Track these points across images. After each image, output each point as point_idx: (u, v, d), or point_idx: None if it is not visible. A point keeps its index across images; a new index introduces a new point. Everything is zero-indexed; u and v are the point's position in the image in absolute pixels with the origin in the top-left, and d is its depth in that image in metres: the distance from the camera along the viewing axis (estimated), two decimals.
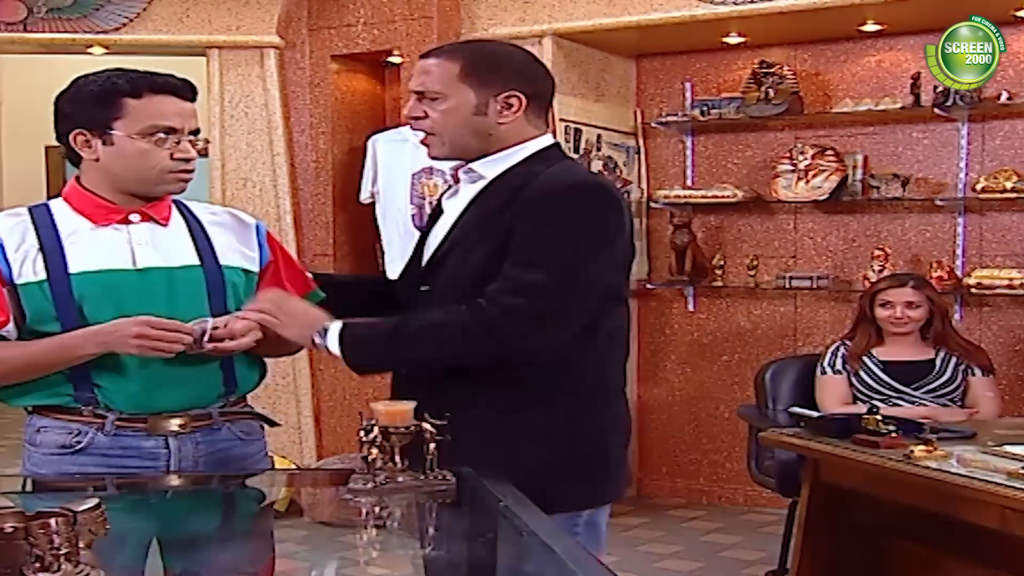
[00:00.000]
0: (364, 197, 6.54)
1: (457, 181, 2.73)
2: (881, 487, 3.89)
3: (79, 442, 2.58)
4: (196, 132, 2.63)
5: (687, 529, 6.33)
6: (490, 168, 2.62)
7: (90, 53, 6.70)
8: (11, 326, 2.56)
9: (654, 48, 6.77)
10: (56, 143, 2.67)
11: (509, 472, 2.45)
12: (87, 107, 2.59)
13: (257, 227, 2.81)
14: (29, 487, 2.68)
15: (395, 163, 6.26)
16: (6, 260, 2.55)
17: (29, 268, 2.55)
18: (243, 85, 6.63)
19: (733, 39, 6.42)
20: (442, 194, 2.83)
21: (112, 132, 2.57)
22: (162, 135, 2.56)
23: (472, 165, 2.65)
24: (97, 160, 2.60)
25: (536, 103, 2.63)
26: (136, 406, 2.57)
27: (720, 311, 6.88)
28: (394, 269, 2.87)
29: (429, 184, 6.25)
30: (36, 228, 2.59)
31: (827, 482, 4.20)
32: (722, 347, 6.87)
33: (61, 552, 1.68)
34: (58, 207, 2.64)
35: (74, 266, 2.55)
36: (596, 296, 2.53)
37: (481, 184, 2.64)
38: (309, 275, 2.90)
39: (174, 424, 2.61)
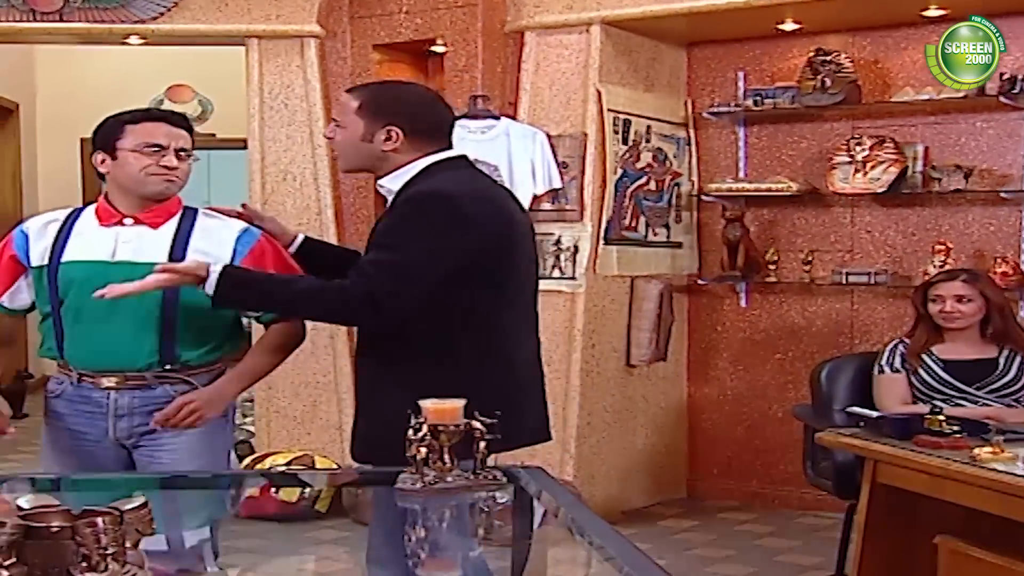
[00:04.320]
0: None
1: None
2: (944, 490, 3.84)
3: (57, 389, 3.38)
4: (185, 150, 3.32)
5: (740, 533, 6.21)
6: (393, 183, 3.17)
7: (127, 43, 6.65)
8: (5, 298, 3.41)
9: (706, 36, 6.64)
10: (90, 135, 3.43)
11: (376, 433, 3.07)
12: (103, 134, 3.35)
13: (239, 236, 3.34)
14: None
15: None
16: (27, 250, 3.35)
17: (40, 256, 3.33)
18: (283, 76, 6.55)
19: (788, 26, 6.28)
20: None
21: (117, 150, 3.30)
22: (151, 149, 3.27)
23: (381, 182, 3.20)
24: (108, 173, 3.34)
25: (417, 135, 3.15)
26: (84, 365, 3.30)
27: (774, 307, 6.74)
28: None
29: None
30: (63, 225, 3.35)
31: (887, 485, 4.16)
32: (775, 345, 6.73)
33: (108, 552, 1.74)
34: (88, 209, 3.40)
35: (67, 255, 3.29)
36: (427, 284, 3.01)
37: (392, 197, 3.17)
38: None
39: (111, 381, 3.29)
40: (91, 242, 3.29)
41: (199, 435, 3.30)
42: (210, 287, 3.06)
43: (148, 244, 3.27)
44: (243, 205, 3.49)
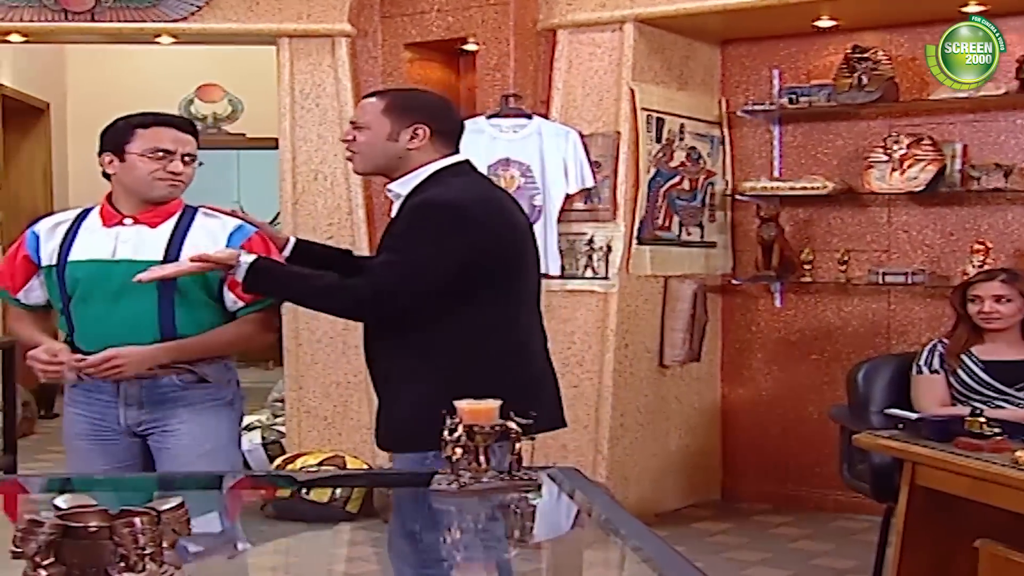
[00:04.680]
0: None
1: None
2: (985, 493, 3.81)
3: (75, 379, 3.45)
4: (190, 156, 3.48)
5: (775, 536, 6.15)
6: (404, 187, 3.35)
7: (158, 43, 6.62)
8: (21, 294, 3.60)
9: (740, 33, 6.59)
10: None
11: (392, 417, 3.33)
12: (112, 136, 3.50)
13: (232, 233, 3.49)
14: None
15: (471, 154, 6.02)
16: (38, 251, 3.54)
17: (49, 256, 3.52)
18: (314, 75, 6.52)
19: (824, 23, 6.22)
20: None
21: (125, 153, 3.45)
22: (159, 154, 3.43)
23: (391, 186, 3.39)
24: (115, 174, 3.51)
25: (441, 135, 3.35)
26: (90, 347, 3.40)
27: (809, 308, 6.67)
28: None
29: (506, 176, 6.10)
30: (70, 226, 3.52)
31: (926, 487, 4.12)
32: (811, 345, 6.66)
33: (146, 552, 1.74)
34: (94, 210, 3.56)
35: (73, 255, 3.47)
36: (437, 285, 3.20)
37: (400, 201, 3.36)
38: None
39: None
40: (94, 242, 3.47)
41: (203, 423, 3.49)
42: (239, 275, 3.28)
43: (146, 242, 3.45)
44: (232, 211, 3.63)
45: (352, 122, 3.46)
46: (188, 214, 3.53)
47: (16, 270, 3.59)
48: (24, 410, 8.58)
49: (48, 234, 3.54)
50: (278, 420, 7.09)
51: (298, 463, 6.27)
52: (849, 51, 6.18)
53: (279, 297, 3.49)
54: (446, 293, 3.22)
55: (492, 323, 3.30)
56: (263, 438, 6.95)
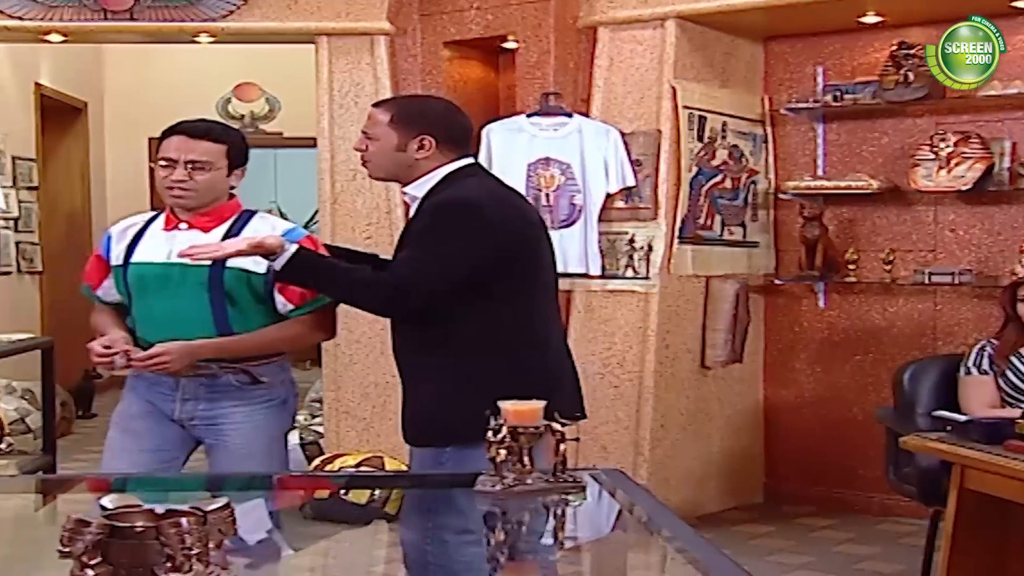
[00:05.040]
0: None
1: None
2: None
3: (126, 363, 3.54)
4: (197, 163, 3.54)
5: (819, 539, 6.07)
6: (419, 190, 3.46)
7: (197, 42, 6.62)
8: (100, 291, 3.73)
9: (784, 30, 6.53)
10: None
11: (414, 410, 3.42)
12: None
13: (283, 236, 3.50)
14: None
15: (510, 153, 6.06)
16: (109, 251, 3.69)
17: (117, 257, 3.66)
18: (353, 73, 6.49)
19: (870, 19, 6.16)
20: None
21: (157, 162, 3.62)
22: (164, 164, 3.56)
23: (406, 189, 3.50)
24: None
25: (447, 143, 3.45)
26: (152, 342, 3.51)
27: (853, 308, 6.59)
28: None
29: (545, 175, 6.07)
30: (140, 228, 3.66)
31: (976, 491, 4.07)
32: (855, 346, 6.59)
33: (192, 552, 1.76)
34: (162, 214, 3.68)
35: (135, 257, 3.61)
36: (457, 280, 3.29)
37: (416, 204, 3.47)
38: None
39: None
40: (153, 246, 3.61)
41: (255, 423, 3.62)
42: (279, 263, 3.34)
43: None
44: (269, 212, 3.89)
45: (363, 131, 3.54)
46: (243, 218, 3.64)
47: (94, 269, 3.75)
48: (62, 410, 8.59)
49: (119, 236, 3.69)
50: (316, 420, 7.06)
51: (336, 464, 6.25)
52: (895, 48, 6.10)
53: (317, 288, 3.54)
54: (465, 289, 3.31)
55: (511, 317, 3.38)
56: (301, 438, 6.93)
